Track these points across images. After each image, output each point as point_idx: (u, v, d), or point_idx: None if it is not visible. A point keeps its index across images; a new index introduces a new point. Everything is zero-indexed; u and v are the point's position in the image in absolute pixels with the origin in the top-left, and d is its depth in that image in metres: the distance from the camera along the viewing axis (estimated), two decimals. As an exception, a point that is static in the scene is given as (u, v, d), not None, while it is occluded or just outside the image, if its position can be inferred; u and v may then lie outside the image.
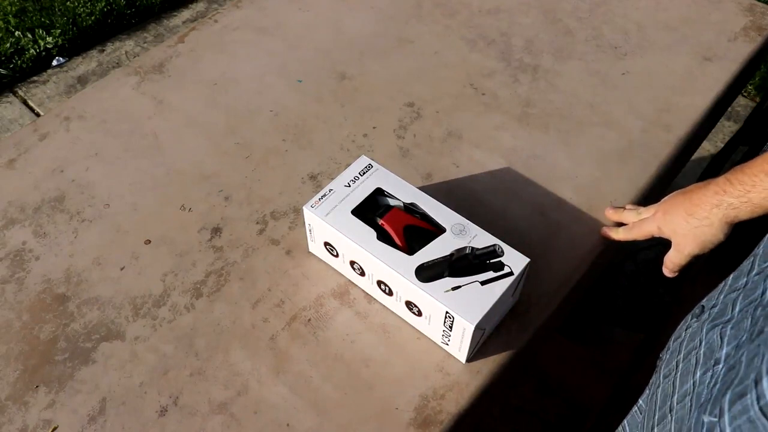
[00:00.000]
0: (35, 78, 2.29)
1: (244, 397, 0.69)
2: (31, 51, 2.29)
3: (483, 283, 0.67)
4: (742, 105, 2.20)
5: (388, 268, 0.69)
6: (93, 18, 2.42)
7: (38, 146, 0.94)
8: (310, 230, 0.77)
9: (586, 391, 1.23)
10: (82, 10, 2.42)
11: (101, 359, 0.72)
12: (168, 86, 1.03)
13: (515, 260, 0.69)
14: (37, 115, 2.16)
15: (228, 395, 0.69)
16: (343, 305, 0.76)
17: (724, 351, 0.49)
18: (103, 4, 2.45)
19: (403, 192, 0.76)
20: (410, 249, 0.70)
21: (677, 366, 0.56)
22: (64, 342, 0.73)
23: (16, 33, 2.32)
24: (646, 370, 1.08)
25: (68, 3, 2.44)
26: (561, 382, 1.25)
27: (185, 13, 2.61)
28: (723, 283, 0.58)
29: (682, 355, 0.56)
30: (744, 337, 0.48)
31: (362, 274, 0.74)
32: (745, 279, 0.54)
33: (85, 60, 2.37)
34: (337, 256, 0.76)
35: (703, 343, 0.53)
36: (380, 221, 0.73)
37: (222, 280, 0.78)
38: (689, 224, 0.69)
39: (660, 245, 0.76)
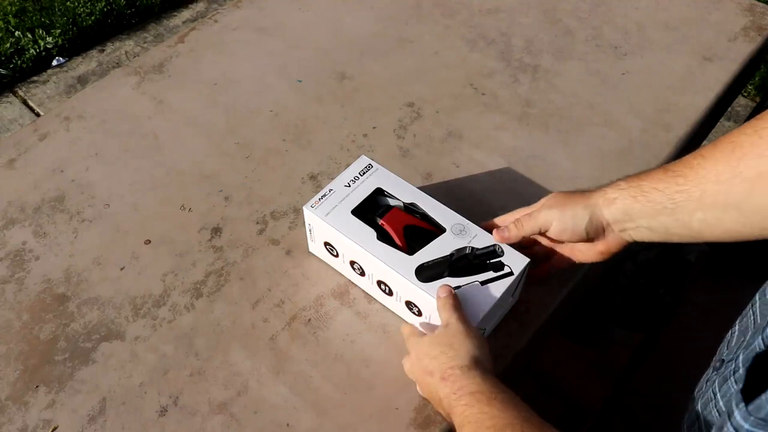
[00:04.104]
0: (35, 78, 2.29)
1: (244, 397, 0.69)
2: (31, 51, 2.29)
3: (483, 283, 0.67)
4: (742, 105, 2.20)
5: (388, 268, 0.69)
6: (93, 18, 2.42)
7: (38, 146, 0.94)
8: (310, 230, 0.77)
9: (586, 391, 1.23)
10: (82, 10, 2.42)
11: (101, 359, 0.72)
12: (168, 86, 1.03)
13: (515, 260, 0.69)
14: (37, 115, 2.16)
15: (228, 395, 0.69)
16: (343, 305, 0.76)
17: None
18: (103, 4, 2.45)
19: (403, 192, 0.76)
20: (410, 249, 0.70)
21: (698, 418, 0.55)
22: (64, 342, 0.73)
23: (16, 33, 2.32)
24: (646, 371, 1.09)
25: (68, 3, 2.45)
26: (561, 383, 1.25)
27: (185, 13, 2.61)
28: (741, 336, 0.57)
29: (699, 406, 0.55)
30: None
31: (362, 274, 0.74)
32: (759, 336, 0.53)
33: (85, 60, 2.37)
34: (337, 256, 0.76)
35: (719, 396, 0.52)
36: (380, 221, 0.73)
37: (222, 280, 0.79)
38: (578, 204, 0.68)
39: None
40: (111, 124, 0.98)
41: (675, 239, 0.63)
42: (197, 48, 1.10)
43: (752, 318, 0.57)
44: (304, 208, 0.74)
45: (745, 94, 2.24)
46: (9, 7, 2.40)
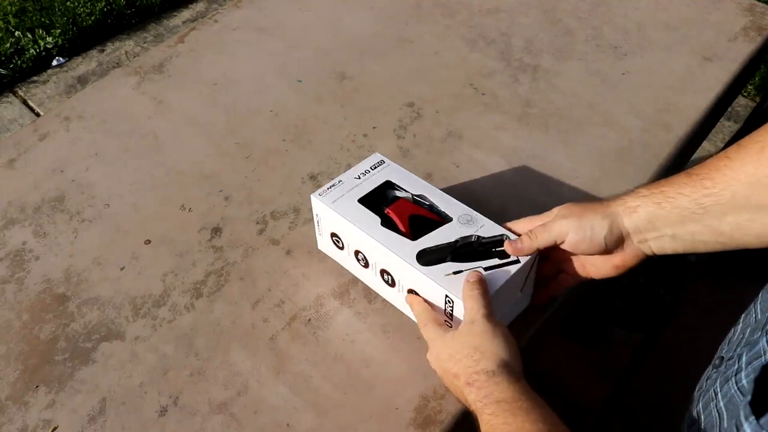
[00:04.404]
0: (35, 78, 2.29)
1: (244, 397, 0.69)
2: (31, 51, 2.29)
3: (487, 269, 0.65)
4: (742, 105, 2.21)
5: (390, 252, 0.67)
6: (93, 18, 2.42)
7: (38, 146, 0.94)
8: (317, 222, 0.76)
9: (586, 391, 1.23)
10: (82, 10, 2.42)
11: (101, 359, 0.72)
12: (168, 86, 1.03)
13: None
14: (37, 115, 2.16)
15: (228, 395, 0.69)
16: (343, 305, 0.76)
17: None
18: (103, 4, 2.46)
19: (413, 185, 0.75)
20: (415, 237, 0.69)
21: (698, 417, 0.54)
22: (64, 342, 0.73)
23: (16, 33, 2.32)
24: (646, 371, 1.09)
25: (68, 3, 2.45)
26: (561, 382, 1.25)
27: (185, 13, 2.61)
28: (740, 333, 0.56)
29: (700, 405, 0.54)
30: None
31: (366, 265, 0.73)
32: (759, 333, 0.52)
33: (85, 60, 2.38)
34: (342, 248, 0.75)
35: (720, 396, 0.51)
36: (386, 210, 0.72)
37: (222, 280, 0.79)
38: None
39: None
40: (111, 124, 0.98)
41: (700, 248, 0.60)
42: (197, 48, 1.10)
43: (754, 315, 0.56)
44: (312, 195, 0.74)
45: (745, 94, 2.24)
46: (9, 7, 2.40)
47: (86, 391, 0.69)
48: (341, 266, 0.78)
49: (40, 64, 2.32)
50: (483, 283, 0.62)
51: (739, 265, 1.16)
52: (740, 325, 0.58)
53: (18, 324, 0.75)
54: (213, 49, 1.09)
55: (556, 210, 0.67)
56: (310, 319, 0.75)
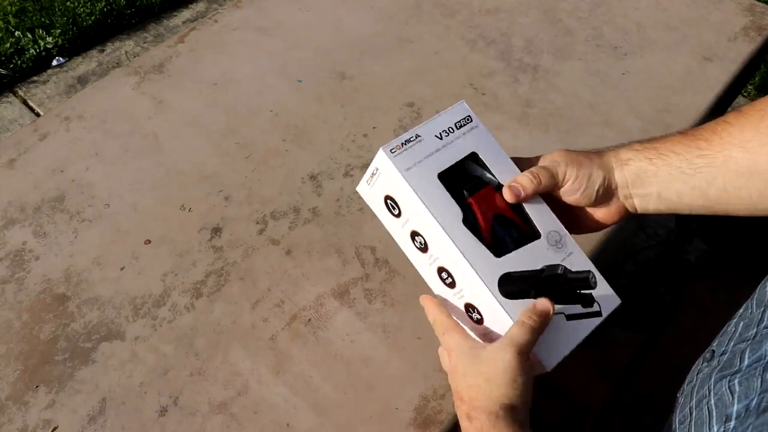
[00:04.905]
0: (35, 78, 2.29)
1: (244, 397, 0.69)
2: (31, 51, 2.29)
3: (569, 317, 0.56)
4: (742, 105, 2.20)
5: (469, 266, 0.55)
6: (93, 18, 2.42)
7: (38, 146, 0.94)
8: (373, 173, 0.60)
9: (586, 391, 1.23)
10: (82, 10, 2.42)
11: (101, 359, 0.72)
12: (168, 86, 1.03)
13: (604, 297, 0.57)
14: (37, 115, 2.16)
15: (228, 395, 0.69)
16: (343, 305, 0.76)
17: (735, 408, 0.46)
18: (103, 4, 2.45)
19: (502, 168, 0.60)
20: (495, 244, 0.57)
21: (690, 413, 0.53)
22: (64, 342, 0.73)
23: (16, 33, 2.32)
24: (646, 370, 1.08)
25: (68, 3, 2.45)
26: (561, 382, 1.25)
27: (185, 13, 2.61)
28: (733, 327, 0.55)
29: (694, 402, 0.53)
30: (753, 401, 0.44)
31: (423, 250, 0.59)
32: (755, 330, 0.50)
33: (85, 60, 2.37)
34: (398, 216, 0.60)
35: (713, 393, 0.50)
36: (469, 199, 0.58)
37: (222, 280, 0.78)
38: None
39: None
40: (111, 124, 0.98)
41: (684, 210, 0.59)
42: (197, 48, 1.10)
43: (750, 309, 0.56)
44: (381, 149, 0.57)
45: (745, 94, 2.24)
46: (9, 7, 2.40)
47: (86, 391, 0.69)
48: (341, 266, 0.78)
49: (40, 64, 2.32)
50: (544, 318, 0.55)
51: (739, 265, 1.16)
52: (735, 319, 0.57)
53: (18, 324, 0.75)
54: (213, 49, 1.09)
55: (548, 156, 0.62)
56: (310, 319, 0.75)
